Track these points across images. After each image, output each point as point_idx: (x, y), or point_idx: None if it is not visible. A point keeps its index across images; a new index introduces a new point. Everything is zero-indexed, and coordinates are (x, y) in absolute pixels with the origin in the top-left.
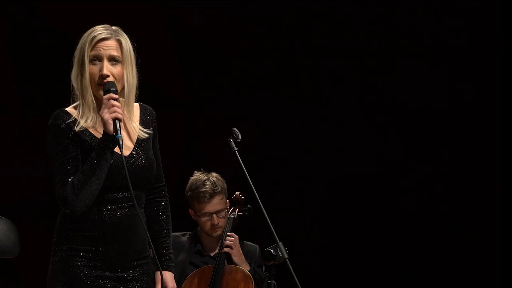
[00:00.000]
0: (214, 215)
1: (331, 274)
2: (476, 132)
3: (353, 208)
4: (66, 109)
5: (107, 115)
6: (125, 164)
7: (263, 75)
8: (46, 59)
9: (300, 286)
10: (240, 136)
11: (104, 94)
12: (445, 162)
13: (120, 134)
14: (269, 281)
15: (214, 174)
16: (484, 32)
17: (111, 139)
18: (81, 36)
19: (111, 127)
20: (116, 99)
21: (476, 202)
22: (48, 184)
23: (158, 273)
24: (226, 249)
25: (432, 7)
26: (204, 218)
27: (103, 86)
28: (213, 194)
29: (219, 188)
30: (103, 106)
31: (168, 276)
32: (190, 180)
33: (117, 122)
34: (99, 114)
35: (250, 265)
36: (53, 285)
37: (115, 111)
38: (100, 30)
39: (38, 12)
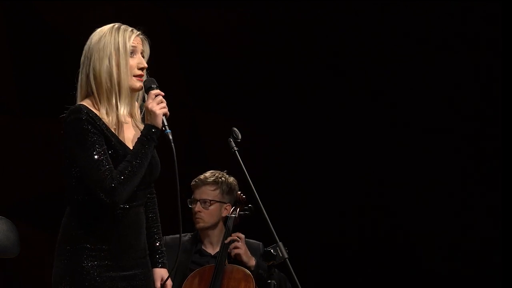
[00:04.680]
0: (198, 202)
1: (331, 274)
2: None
3: (354, 207)
4: (83, 103)
5: (158, 110)
6: (175, 161)
7: (264, 75)
8: (46, 59)
9: (300, 286)
10: (240, 136)
11: (147, 90)
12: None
13: (169, 129)
14: (269, 281)
15: (227, 176)
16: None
17: (158, 132)
18: (86, 34)
19: (160, 121)
20: (163, 96)
21: (476, 205)
22: (48, 184)
23: (155, 270)
24: (236, 251)
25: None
26: (192, 206)
27: (144, 81)
28: (204, 181)
29: (213, 179)
30: (150, 100)
31: (164, 273)
32: None
33: (164, 118)
34: (144, 104)
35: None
36: (59, 285)
37: (165, 107)
38: (128, 26)
39: (38, 12)
